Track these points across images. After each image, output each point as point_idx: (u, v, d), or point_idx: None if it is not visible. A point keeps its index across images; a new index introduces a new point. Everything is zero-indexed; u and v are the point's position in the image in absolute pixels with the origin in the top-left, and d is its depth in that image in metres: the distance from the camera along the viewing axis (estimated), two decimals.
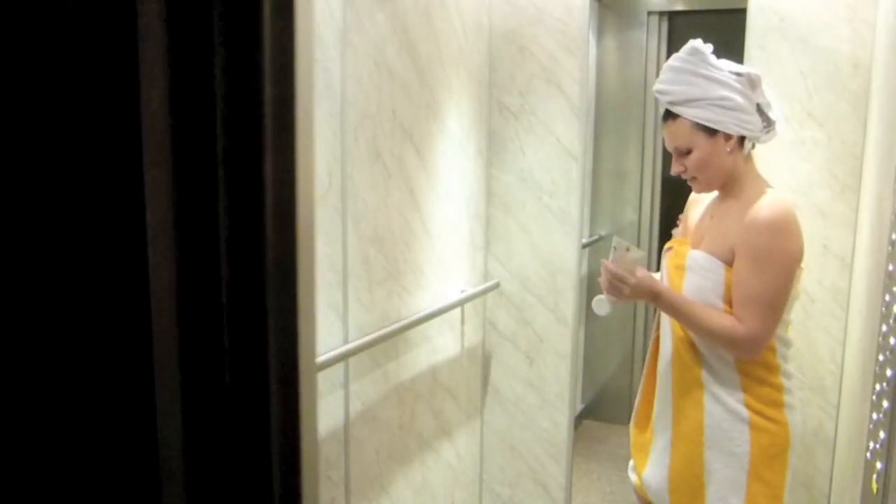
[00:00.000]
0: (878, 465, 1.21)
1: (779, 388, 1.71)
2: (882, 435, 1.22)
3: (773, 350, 1.71)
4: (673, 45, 4.01)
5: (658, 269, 1.95)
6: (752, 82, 1.69)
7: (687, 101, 1.69)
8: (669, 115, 1.74)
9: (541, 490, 2.73)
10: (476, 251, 2.58)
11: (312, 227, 0.74)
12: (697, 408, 1.75)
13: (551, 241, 2.57)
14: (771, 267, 1.62)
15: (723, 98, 1.67)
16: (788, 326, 1.77)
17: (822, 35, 2.22)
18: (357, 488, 1.94)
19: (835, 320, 2.29)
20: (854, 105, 2.21)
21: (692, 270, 1.74)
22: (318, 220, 1.70)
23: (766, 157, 2.31)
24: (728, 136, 1.69)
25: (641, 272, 1.75)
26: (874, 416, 1.36)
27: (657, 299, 1.74)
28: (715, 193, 1.84)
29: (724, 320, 1.67)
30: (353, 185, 1.82)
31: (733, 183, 1.75)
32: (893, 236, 1.36)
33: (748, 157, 1.75)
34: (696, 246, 1.80)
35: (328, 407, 1.80)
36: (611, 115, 3.85)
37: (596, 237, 3.81)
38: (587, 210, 3.78)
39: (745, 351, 1.67)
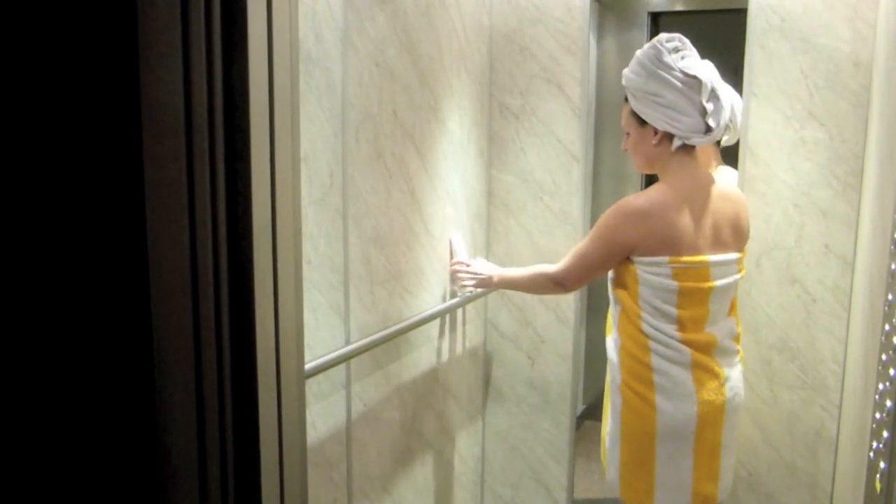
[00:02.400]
0: (882, 464, 1.21)
1: (648, 367, 1.85)
2: (885, 434, 1.22)
3: (639, 330, 1.86)
4: None
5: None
6: (701, 86, 1.79)
7: (632, 89, 1.86)
8: (624, 97, 1.92)
9: (542, 490, 2.72)
10: (477, 252, 2.58)
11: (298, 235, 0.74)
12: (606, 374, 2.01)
13: (552, 241, 2.57)
14: (594, 232, 1.89)
15: (656, 94, 1.81)
16: (686, 324, 1.84)
17: (822, 34, 2.22)
18: (359, 489, 1.94)
19: (836, 320, 2.29)
20: (855, 104, 2.21)
21: None
22: (319, 220, 1.70)
23: (767, 157, 2.31)
24: (656, 130, 1.84)
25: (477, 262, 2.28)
26: (877, 415, 1.35)
27: (490, 280, 2.18)
28: None
29: (536, 266, 2.07)
30: (354, 186, 1.81)
31: (660, 174, 1.91)
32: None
33: (680, 154, 1.86)
34: None
35: (330, 408, 1.80)
36: (611, 115, 3.84)
37: None
38: (588, 210, 3.78)
39: (555, 283, 1.98)
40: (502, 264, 2.66)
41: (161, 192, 0.70)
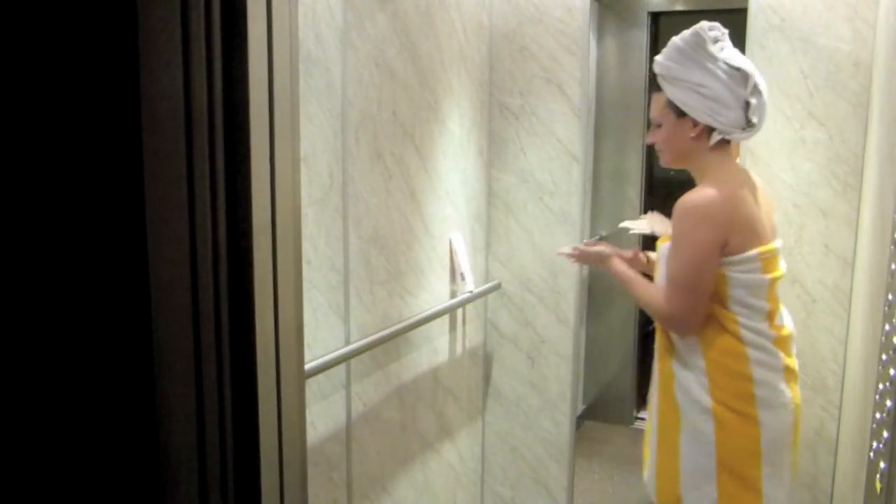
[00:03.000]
0: (882, 464, 1.21)
1: (748, 380, 1.71)
2: (885, 434, 1.22)
3: (738, 338, 1.71)
4: None
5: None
6: (746, 79, 1.70)
7: (670, 78, 1.75)
8: (656, 86, 1.82)
9: (542, 490, 2.72)
10: (477, 252, 2.58)
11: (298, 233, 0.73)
12: (670, 396, 1.80)
13: (552, 241, 2.57)
14: (682, 250, 1.70)
15: (701, 85, 1.70)
16: (772, 317, 1.76)
17: (822, 34, 2.22)
18: (359, 489, 1.94)
19: (837, 320, 2.29)
20: (855, 104, 2.21)
21: (661, 261, 1.82)
22: (319, 220, 1.70)
23: (767, 157, 2.31)
24: (696, 122, 1.74)
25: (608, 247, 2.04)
26: (877, 415, 1.35)
27: (609, 261, 1.97)
28: None
29: (656, 294, 1.78)
30: (354, 186, 1.81)
31: (699, 172, 1.80)
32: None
33: (719, 148, 1.77)
34: None
35: (330, 408, 1.80)
36: (611, 115, 3.84)
37: (597, 237, 3.81)
38: (588, 210, 3.78)
39: (670, 327, 1.77)
40: (502, 264, 2.66)
41: (161, 192, 0.70)
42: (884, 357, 1.36)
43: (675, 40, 1.75)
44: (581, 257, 2.07)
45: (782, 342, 1.76)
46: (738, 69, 1.70)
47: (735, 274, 1.71)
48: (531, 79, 2.53)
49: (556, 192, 2.55)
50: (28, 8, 0.70)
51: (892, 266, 1.33)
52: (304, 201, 1.63)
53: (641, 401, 3.98)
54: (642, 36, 3.73)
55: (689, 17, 3.91)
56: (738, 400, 1.71)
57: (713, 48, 1.71)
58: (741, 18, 2.37)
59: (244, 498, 0.76)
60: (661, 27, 3.84)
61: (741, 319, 1.71)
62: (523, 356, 2.68)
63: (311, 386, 1.71)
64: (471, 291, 2.41)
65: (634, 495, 3.26)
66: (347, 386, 1.86)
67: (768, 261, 1.73)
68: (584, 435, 3.83)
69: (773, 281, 1.75)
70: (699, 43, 1.71)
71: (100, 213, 0.72)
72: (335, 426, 1.82)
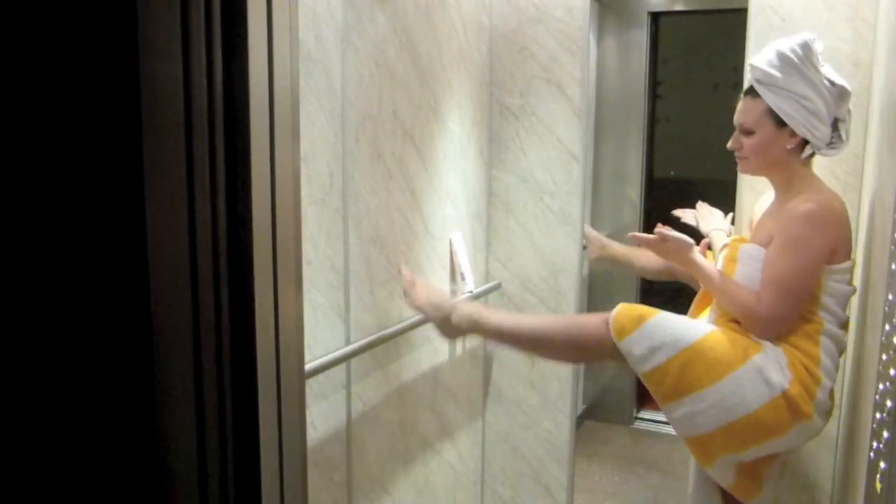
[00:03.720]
0: (882, 464, 1.21)
1: (817, 381, 1.72)
2: (885, 434, 1.22)
3: (816, 344, 1.74)
4: (673, 46, 4.01)
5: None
6: (841, 95, 1.75)
7: (773, 86, 1.73)
8: (750, 92, 1.80)
9: (542, 491, 2.72)
10: (477, 252, 2.58)
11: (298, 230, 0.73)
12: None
13: (552, 241, 2.57)
14: (795, 253, 1.68)
15: (805, 97, 1.71)
16: (848, 327, 1.80)
17: (823, 34, 2.22)
18: (359, 489, 1.94)
19: None
20: (855, 104, 2.20)
21: (742, 261, 1.81)
22: (319, 220, 1.70)
23: None
24: (793, 134, 1.74)
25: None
26: (877, 415, 1.35)
27: (690, 252, 1.80)
28: (772, 197, 1.91)
29: (747, 293, 1.74)
30: (354, 186, 1.81)
31: (786, 182, 1.81)
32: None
33: (806, 163, 1.80)
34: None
35: (330, 408, 1.80)
36: (611, 115, 3.84)
37: None
38: (588, 210, 3.78)
39: (758, 327, 1.73)
40: (502, 264, 2.66)
41: (161, 193, 0.70)
42: (884, 357, 1.36)
43: (783, 49, 1.73)
44: (659, 244, 1.84)
45: (844, 352, 1.83)
46: (839, 86, 1.74)
47: (829, 282, 1.73)
48: (531, 79, 2.53)
49: (556, 192, 2.55)
50: (28, 8, 0.70)
51: (893, 266, 1.33)
52: (304, 201, 1.63)
53: (641, 401, 3.99)
54: (642, 36, 3.73)
55: (689, 17, 3.91)
56: (805, 392, 1.71)
57: (818, 61, 1.73)
58: (741, 18, 2.37)
59: (244, 498, 0.76)
60: (661, 27, 3.84)
61: (827, 327, 1.74)
62: (523, 356, 2.68)
63: (311, 386, 1.71)
64: (471, 291, 2.42)
65: (635, 495, 3.26)
66: (347, 386, 1.86)
67: (853, 273, 1.79)
68: (585, 435, 3.83)
69: (854, 292, 1.81)
70: (808, 55, 1.72)
71: (99, 215, 0.72)
72: (335, 426, 1.82)
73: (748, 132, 1.80)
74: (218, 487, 0.74)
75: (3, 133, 0.71)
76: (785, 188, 1.82)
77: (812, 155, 1.81)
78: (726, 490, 1.87)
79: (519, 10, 2.52)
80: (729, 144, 1.85)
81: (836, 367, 1.78)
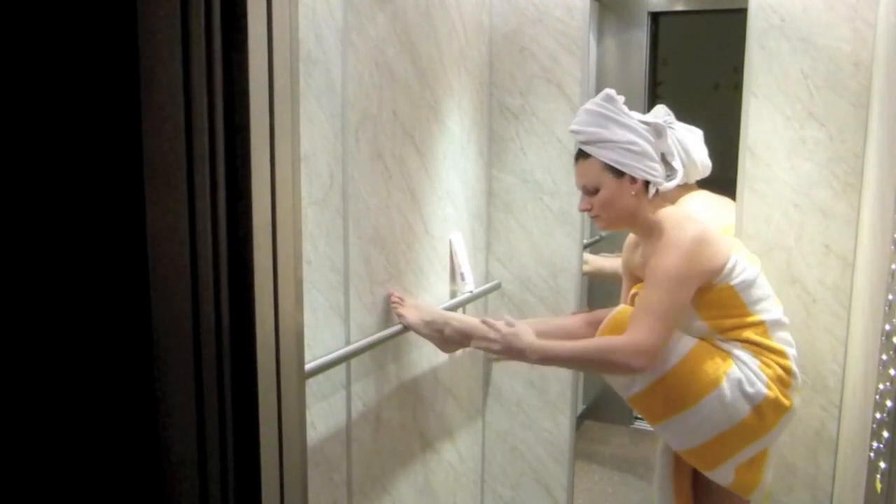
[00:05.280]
0: (882, 464, 1.21)
1: (789, 371, 1.84)
2: (886, 434, 1.22)
3: (768, 336, 1.84)
4: (673, 46, 4.01)
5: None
6: (658, 131, 1.84)
7: (599, 142, 1.82)
8: (581, 155, 1.88)
9: (542, 490, 2.72)
10: (477, 252, 2.58)
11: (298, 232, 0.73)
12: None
13: (552, 241, 2.57)
14: (661, 283, 1.73)
15: (631, 143, 1.80)
16: (776, 301, 1.90)
17: (823, 35, 2.22)
18: (359, 489, 1.94)
19: (837, 320, 2.29)
20: (855, 104, 2.21)
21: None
22: (319, 220, 1.70)
23: (767, 157, 2.31)
24: (633, 180, 1.83)
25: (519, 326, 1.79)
26: (877, 415, 1.35)
27: (522, 355, 1.74)
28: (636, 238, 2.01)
29: (601, 341, 1.78)
30: (354, 186, 1.81)
31: (646, 228, 1.88)
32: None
33: (654, 202, 1.88)
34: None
35: (330, 408, 1.80)
36: None
37: (597, 237, 3.81)
38: None
39: (629, 357, 1.69)
40: (502, 264, 2.66)
41: (161, 192, 0.70)
42: (884, 357, 1.36)
43: (589, 107, 1.85)
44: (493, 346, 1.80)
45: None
46: (649, 123, 1.83)
47: (732, 283, 1.81)
48: (531, 79, 2.53)
49: (556, 192, 2.55)
50: (28, 7, 0.70)
51: (893, 266, 1.33)
52: (304, 201, 1.63)
53: None
54: (642, 36, 3.73)
55: (689, 17, 3.91)
56: (783, 387, 1.82)
57: (626, 108, 1.83)
58: (741, 18, 2.37)
59: (244, 498, 0.76)
60: (661, 27, 3.84)
61: (766, 317, 1.82)
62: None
63: (311, 386, 1.71)
64: (471, 291, 2.42)
65: (634, 495, 3.26)
66: (347, 386, 1.86)
67: (739, 261, 1.84)
68: (585, 435, 3.83)
69: (758, 272, 1.88)
70: (613, 104, 1.83)
71: (99, 215, 0.72)
72: (335, 426, 1.82)
73: (594, 191, 1.86)
74: (218, 487, 0.74)
75: (3, 134, 0.71)
76: (647, 232, 1.89)
77: (657, 192, 1.88)
78: (726, 489, 1.89)
79: (519, 10, 2.52)
80: (579, 207, 1.92)
81: (792, 342, 1.88)
